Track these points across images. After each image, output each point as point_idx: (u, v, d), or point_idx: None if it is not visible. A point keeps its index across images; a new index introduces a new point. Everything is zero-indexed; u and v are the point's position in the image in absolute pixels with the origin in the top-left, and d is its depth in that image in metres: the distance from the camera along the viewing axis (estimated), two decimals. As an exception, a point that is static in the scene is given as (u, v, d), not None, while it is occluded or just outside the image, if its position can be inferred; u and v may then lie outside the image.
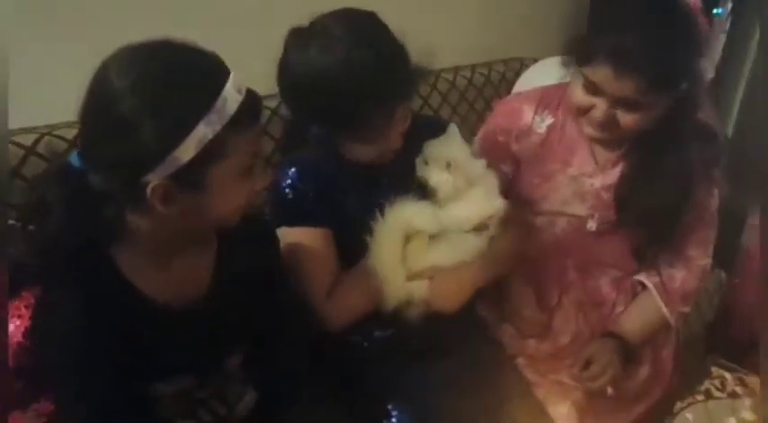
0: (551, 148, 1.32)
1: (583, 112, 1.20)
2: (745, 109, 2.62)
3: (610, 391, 1.24)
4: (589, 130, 1.23)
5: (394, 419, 1.15)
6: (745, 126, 2.53)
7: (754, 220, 1.94)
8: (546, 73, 1.65)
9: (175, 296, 0.90)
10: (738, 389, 1.16)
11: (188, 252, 0.91)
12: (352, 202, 1.18)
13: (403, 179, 1.19)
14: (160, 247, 0.87)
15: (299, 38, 1.05)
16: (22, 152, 1.14)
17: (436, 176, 1.15)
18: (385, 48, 1.04)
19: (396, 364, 1.20)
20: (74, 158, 0.80)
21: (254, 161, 0.85)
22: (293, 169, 1.15)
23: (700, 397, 1.12)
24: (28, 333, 0.87)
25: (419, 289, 1.14)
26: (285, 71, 1.07)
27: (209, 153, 0.77)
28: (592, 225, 1.31)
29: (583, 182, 1.30)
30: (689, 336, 1.61)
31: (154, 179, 0.76)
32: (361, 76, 1.01)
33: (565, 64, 1.23)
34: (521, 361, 1.35)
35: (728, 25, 2.31)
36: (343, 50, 1.00)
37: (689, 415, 1.06)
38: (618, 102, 1.13)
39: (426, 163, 1.16)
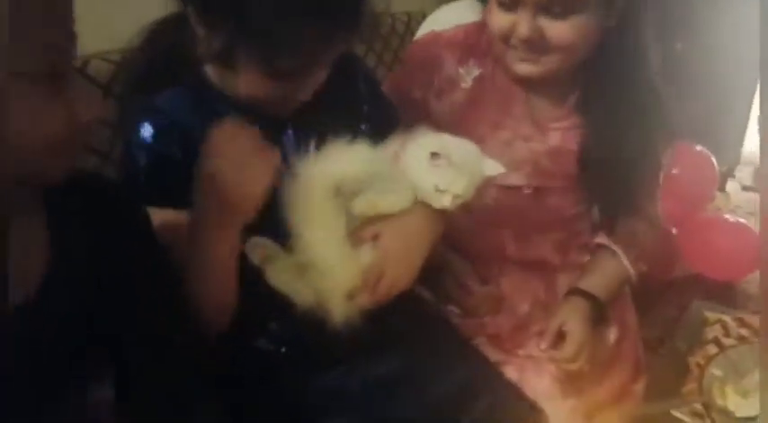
0: (479, 107, 1.08)
1: (506, 37, 0.99)
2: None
3: (586, 368, 1.02)
4: (520, 66, 1.01)
5: None
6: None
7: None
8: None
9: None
10: (744, 331, 0.96)
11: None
12: None
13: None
14: None
15: None
16: None
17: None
18: None
19: (324, 370, 0.89)
20: None
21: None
22: (147, 122, 0.80)
23: (712, 348, 0.91)
24: None
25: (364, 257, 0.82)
26: None
27: None
28: (528, 190, 1.09)
29: (517, 147, 1.07)
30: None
31: None
32: None
33: None
34: (481, 340, 1.08)
35: None
36: None
37: (715, 370, 0.83)
38: (539, 7, 0.95)
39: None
